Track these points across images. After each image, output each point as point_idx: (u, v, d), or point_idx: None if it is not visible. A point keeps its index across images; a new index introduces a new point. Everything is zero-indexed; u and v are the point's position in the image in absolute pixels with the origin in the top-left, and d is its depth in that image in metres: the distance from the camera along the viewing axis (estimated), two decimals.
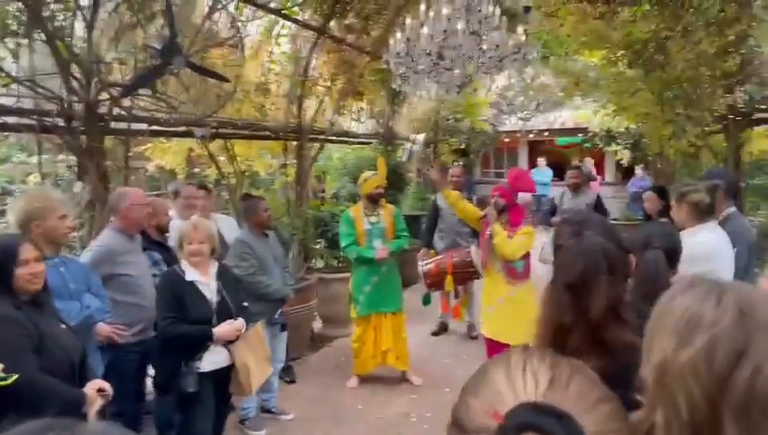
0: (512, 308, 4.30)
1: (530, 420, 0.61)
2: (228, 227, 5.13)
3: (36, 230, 3.01)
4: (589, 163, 14.29)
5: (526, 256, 4.47)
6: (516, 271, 4.42)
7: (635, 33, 5.12)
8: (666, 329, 0.90)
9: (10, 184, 5.88)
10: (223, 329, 3.32)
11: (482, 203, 5.33)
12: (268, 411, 4.75)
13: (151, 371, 3.76)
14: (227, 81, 4.75)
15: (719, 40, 4.91)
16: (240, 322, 3.41)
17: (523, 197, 4.58)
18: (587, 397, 0.69)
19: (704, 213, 3.09)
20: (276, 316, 4.58)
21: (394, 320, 5.35)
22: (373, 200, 5.31)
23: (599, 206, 6.72)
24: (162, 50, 3.97)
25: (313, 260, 7.36)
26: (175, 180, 6.00)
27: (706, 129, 5.69)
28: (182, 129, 5.07)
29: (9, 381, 2.21)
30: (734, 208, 3.85)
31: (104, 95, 4.11)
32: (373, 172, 5.54)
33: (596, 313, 1.57)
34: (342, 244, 5.34)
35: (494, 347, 4.43)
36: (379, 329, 5.31)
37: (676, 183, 6.16)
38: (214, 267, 3.46)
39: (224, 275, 3.51)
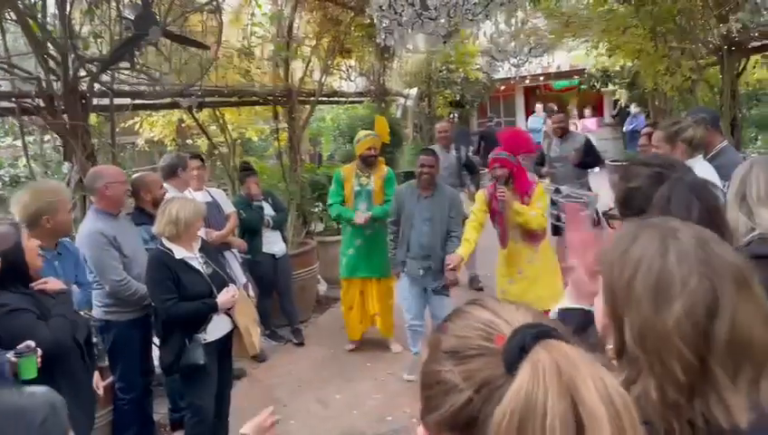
0: (532, 272, 4.26)
1: (538, 331, 0.65)
2: (220, 197, 5.13)
3: (46, 225, 2.91)
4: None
5: None
6: (536, 233, 4.27)
7: None
8: (636, 292, 0.90)
9: None
10: (224, 298, 3.33)
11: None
12: None
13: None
14: (207, 48, 4.64)
15: None
16: (233, 288, 3.42)
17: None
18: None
19: (697, 148, 3.04)
20: None
21: (379, 286, 5.21)
22: (366, 162, 5.13)
23: (589, 150, 6.26)
24: (136, 20, 3.86)
25: (312, 224, 7.36)
26: (166, 153, 5.93)
27: (701, 61, 5.56)
28: (167, 100, 4.98)
29: (38, 355, 2.27)
30: (725, 143, 3.82)
31: (83, 72, 4.02)
32: (368, 132, 5.32)
33: None
34: (329, 202, 5.31)
35: None
36: (365, 293, 5.24)
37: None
38: (197, 242, 3.45)
39: (204, 247, 3.52)
